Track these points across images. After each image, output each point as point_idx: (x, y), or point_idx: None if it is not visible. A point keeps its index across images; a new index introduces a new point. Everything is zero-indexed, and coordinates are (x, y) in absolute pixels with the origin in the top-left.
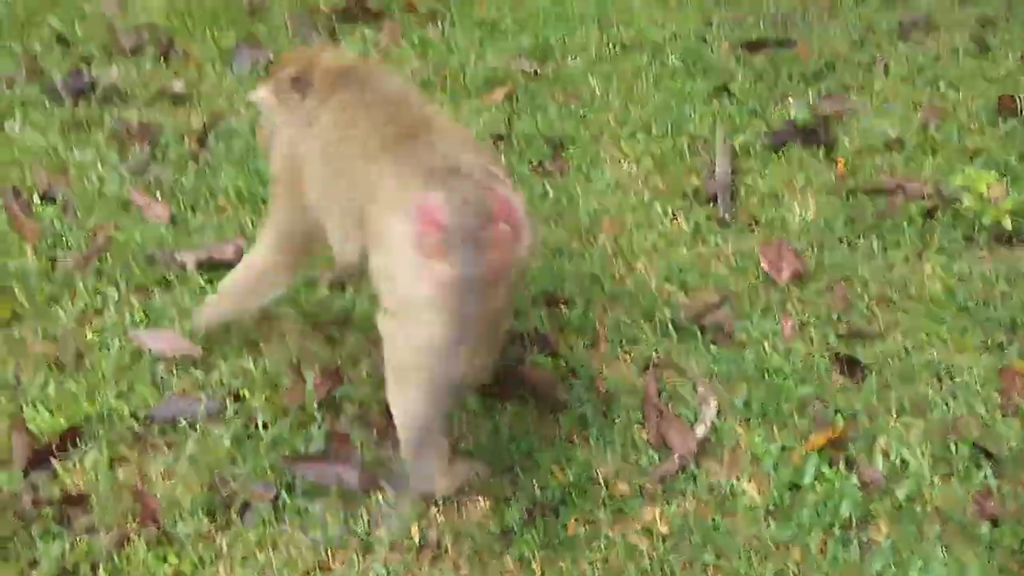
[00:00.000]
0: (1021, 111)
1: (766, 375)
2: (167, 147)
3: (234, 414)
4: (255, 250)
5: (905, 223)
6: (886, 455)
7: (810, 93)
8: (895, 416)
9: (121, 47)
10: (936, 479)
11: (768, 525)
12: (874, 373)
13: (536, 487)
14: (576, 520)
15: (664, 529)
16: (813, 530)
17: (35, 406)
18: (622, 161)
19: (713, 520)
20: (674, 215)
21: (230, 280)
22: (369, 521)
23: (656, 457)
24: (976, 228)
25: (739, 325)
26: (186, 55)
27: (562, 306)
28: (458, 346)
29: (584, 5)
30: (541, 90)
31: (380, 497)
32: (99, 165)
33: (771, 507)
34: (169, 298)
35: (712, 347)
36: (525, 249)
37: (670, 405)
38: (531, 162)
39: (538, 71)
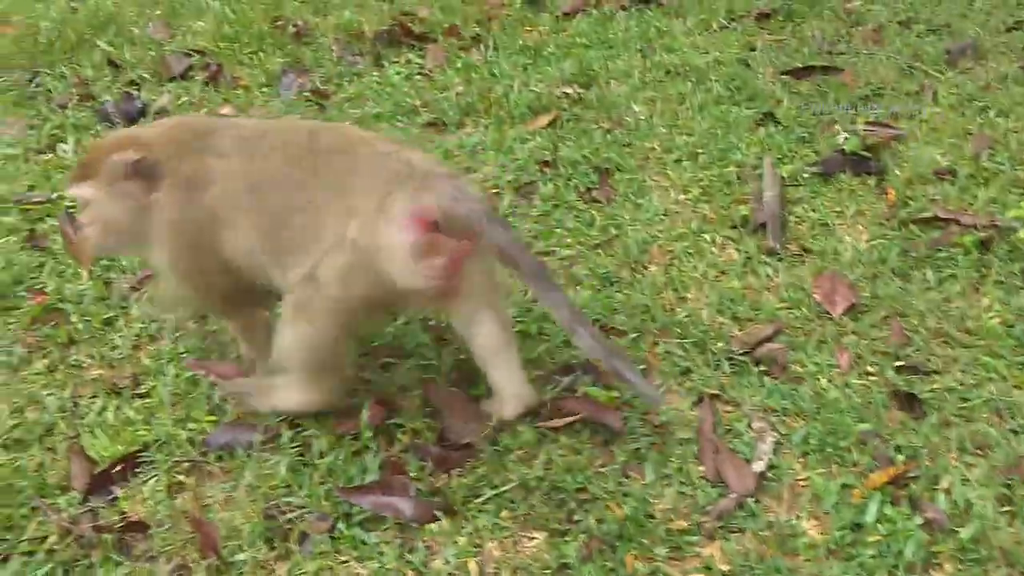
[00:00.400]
0: None
1: (823, 410)
2: None
3: (289, 442)
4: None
5: (960, 255)
6: (948, 494)
7: (858, 121)
8: (957, 454)
9: (171, 71)
10: (1001, 520)
11: (831, 566)
12: (934, 410)
13: (592, 520)
14: (634, 556)
15: (724, 567)
16: (877, 572)
17: (93, 431)
18: (669, 189)
19: (774, 559)
20: (723, 244)
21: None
22: (425, 552)
23: (713, 493)
24: None
25: (793, 357)
26: (234, 79)
27: (613, 336)
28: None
29: (626, 31)
30: (585, 116)
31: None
32: None
33: (832, 546)
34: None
35: (766, 380)
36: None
37: (726, 439)
38: (578, 188)
39: (581, 96)
